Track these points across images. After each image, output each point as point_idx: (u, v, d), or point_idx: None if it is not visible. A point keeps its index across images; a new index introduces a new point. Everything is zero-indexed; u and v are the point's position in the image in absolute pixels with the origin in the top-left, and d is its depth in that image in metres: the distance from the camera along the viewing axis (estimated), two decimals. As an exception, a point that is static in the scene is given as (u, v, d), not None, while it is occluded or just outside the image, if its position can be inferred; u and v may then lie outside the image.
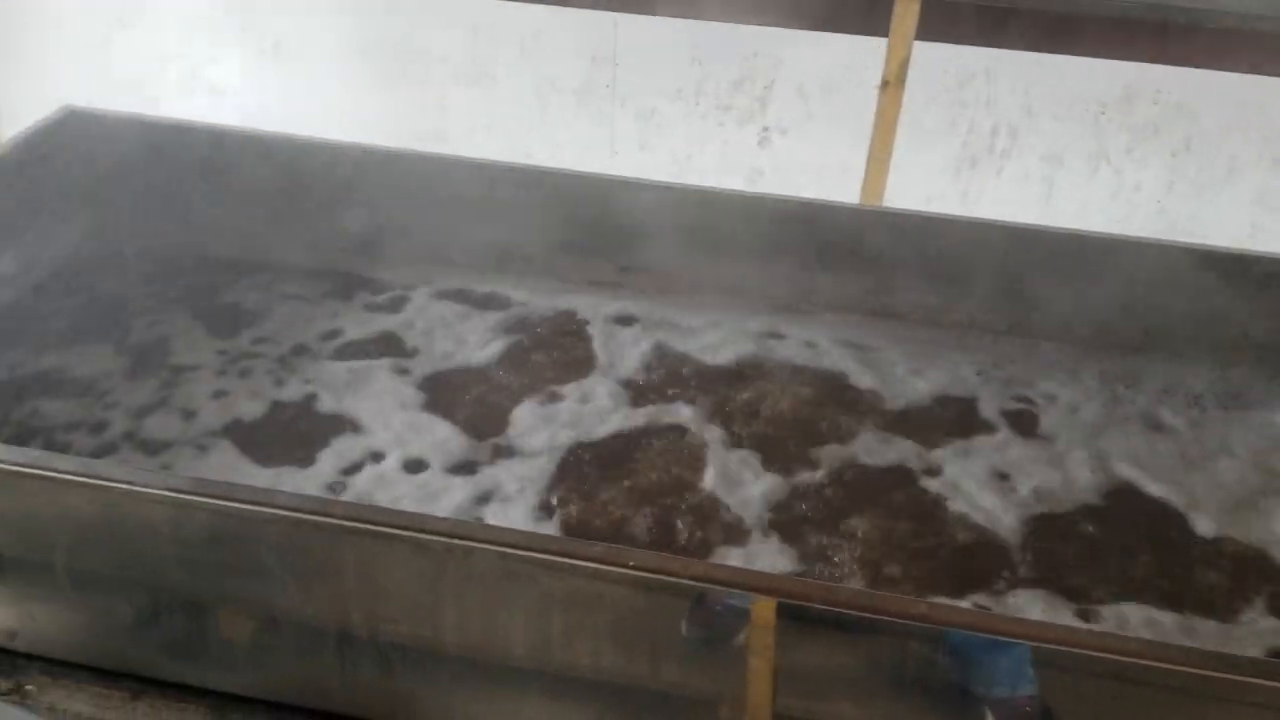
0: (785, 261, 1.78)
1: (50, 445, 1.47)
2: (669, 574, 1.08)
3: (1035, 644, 1.04)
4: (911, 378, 1.65)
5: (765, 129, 3.15)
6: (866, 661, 1.10)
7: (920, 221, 1.76)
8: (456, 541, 1.09)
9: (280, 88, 3.40)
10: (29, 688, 1.31)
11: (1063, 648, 1.03)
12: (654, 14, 2.85)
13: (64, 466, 1.15)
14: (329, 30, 3.28)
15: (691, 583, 1.08)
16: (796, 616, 1.07)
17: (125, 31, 3.44)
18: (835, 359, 1.68)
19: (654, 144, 3.26)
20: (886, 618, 1.05)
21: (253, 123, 2.02)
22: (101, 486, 1.13)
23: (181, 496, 1.13)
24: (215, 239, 1.89)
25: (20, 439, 1.47)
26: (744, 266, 1.80)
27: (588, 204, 1.82)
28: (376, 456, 1.49)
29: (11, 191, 1.73)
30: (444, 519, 1.13)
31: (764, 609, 1.08)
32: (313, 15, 3.28)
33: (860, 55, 3.01)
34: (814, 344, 1.71)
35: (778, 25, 2.63)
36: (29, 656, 1.29)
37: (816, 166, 3.18)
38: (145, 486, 1.13)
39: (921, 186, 3.03)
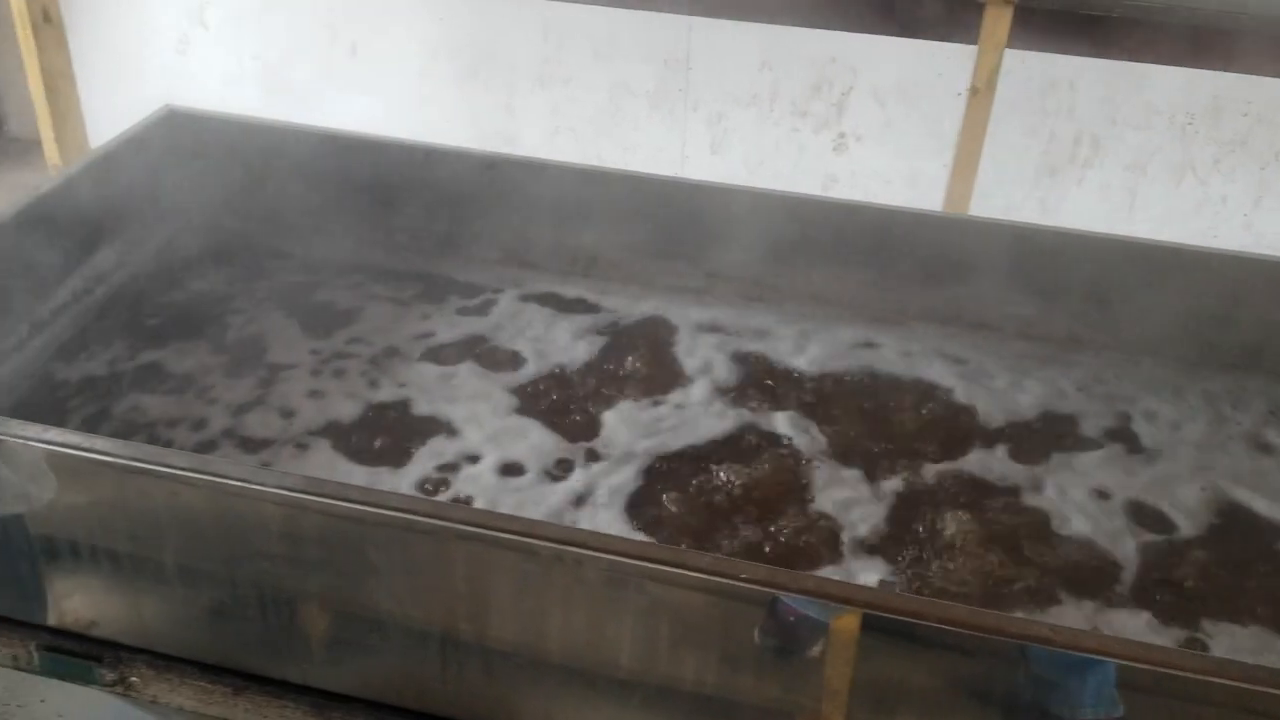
0: (876, 270, 1.76)
1: (152, 440, 1.49)
2: (779, 586, 1.07)
3: (1125, 663, 1.01)
4: (1011, 391, 1.62)
5: (841, 135, 3.13)
6: (947, 678, 1.08)
7: (1015, 231, 1.74)
8: (567, 549, 1.09)
9: (356, 89, 3.43)
10: (133, 680, 1.33)
11: (1155, 668, 1.00)
12: (734, 18, 2.85)
13: (180, 463, 1.16)
14: (405, 33, 3.32)
15: (802, 596, 1.07)
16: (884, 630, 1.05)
17: (205, 32, 3.50)
18: (932, 371, 1.66)
19: (725, 149, 3.25)
20: (969, 632, 1.03)
21: (327, 124, 2.04)
22: (216, 483, 1.14)
23: (295, 495, 1.14)
24: (306, 239, 1.91)
25: (122, 434, 1.49)
26: (833, 275, 1.78)
27: (675, 209, 1.81)
28: (472, 459, 1.49)
29: (113, 188, 1.76)
30: (556, 525, 1.13)
31: (846, 622, 1.06)
32: (390, 18, 3.31)
33: (940, 62, 2.98)
34: (909, 354, 1.69)
35: (865, 32, 2.61)
36: (134, 649, 1.31)
37: (892, 174, 3.15)
38: (259, 484, 1.14)
39: (1000, 195, 2.99)
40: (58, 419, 1.49)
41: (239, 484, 1.14)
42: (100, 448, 1.17)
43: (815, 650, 1.12)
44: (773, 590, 1.07)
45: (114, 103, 3.45)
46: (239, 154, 1.88)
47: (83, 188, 1.69)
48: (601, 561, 1.09)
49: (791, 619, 1.11)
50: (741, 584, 1.07)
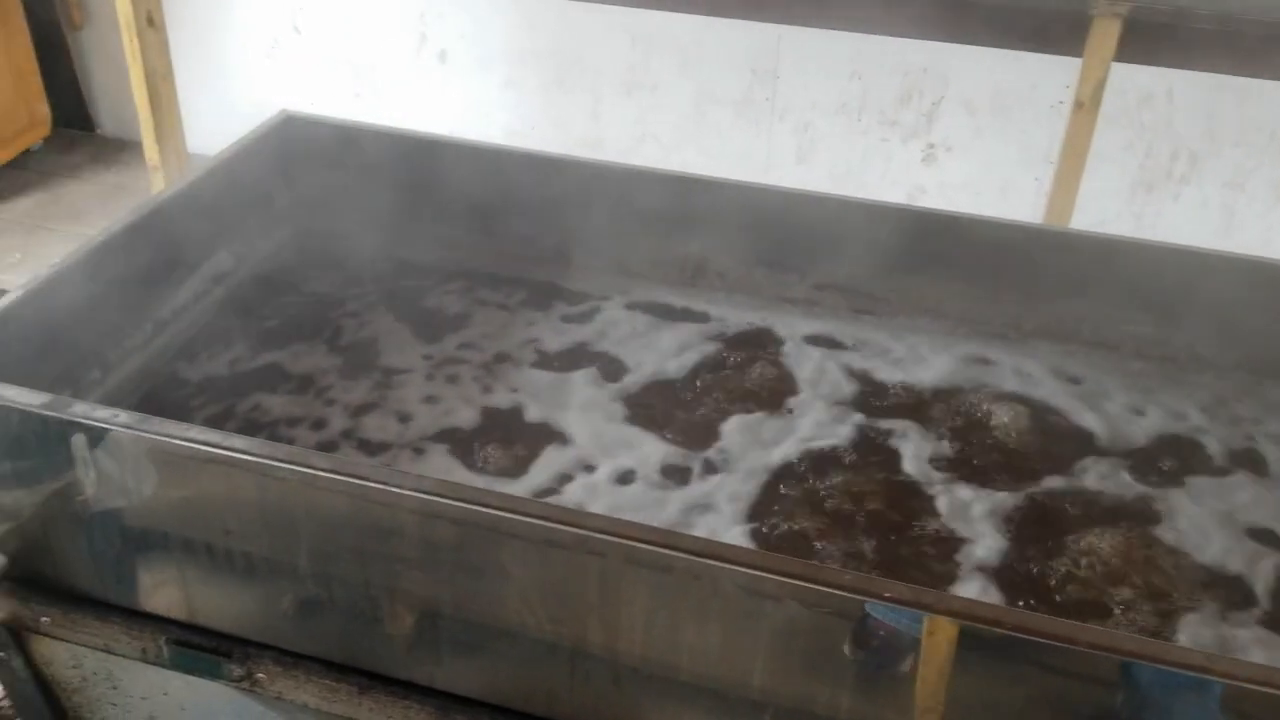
0: (989, 285, 1.74)
1: (275, 440, 1.51)
2: (923, 606, 1.06)
3: (1231, 682, 0.98)
4: (1131, 413, 1.60)
5: (930, 145, 3.10)
6: (1048, 698, 1.05)
7: (1134, 248, 1.71)
8: (704, 561, 1.09)
9: (441, 94, 3.48)
10: (260, 676, 1.35)
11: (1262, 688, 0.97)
12: (826, 28, 2.83)
13: (321, 464, 1.18)
14: (494, 39, 3.35)
15: (939, 616, 1.05)
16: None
17: (296, 36, 3.56)
18: (1049, 390, 1.64)
19: (811, 158, 3.24)
20: (1075, 648, 1.00)
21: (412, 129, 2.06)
22: (356, 485, 1.16)
23: (433, 499, 1.15)
24: (414, 244, 1.93)
25: (246, 433, 1.52)
26: (945, 289, 1.76)
27: (783, 219, 1.81)
28: (587, 467, 1.50)
29: (231, 191, 1.80)
30: (693, 537, 1.13)
31: (940, 634, 1.04)
32: (480, 25, 3.34)
33: (1035, 73, 2.95)
34: (1025, 373, 1.66)
35: (965, 42, 2.58)
36: (262, 646, 1.33)
37: (981, 185, 3.12)
38: (398, 487, 1.16)
39: (1094, 209, 2.95)
40: (182, 417, 1.52)
41: (379, 486, 1.15)
42: (242, 447, 1.20)
43: (906, 666, 1.11)
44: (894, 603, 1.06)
45: (205, 104, 3.53)
46: (351, 159, 1.91)
47: (204, 192, 1.73)
48: (739, 575, 1.08)
49: (881, 633, 1.10)
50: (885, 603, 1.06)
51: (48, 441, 1.25)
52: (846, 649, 1.09)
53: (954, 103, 3.05)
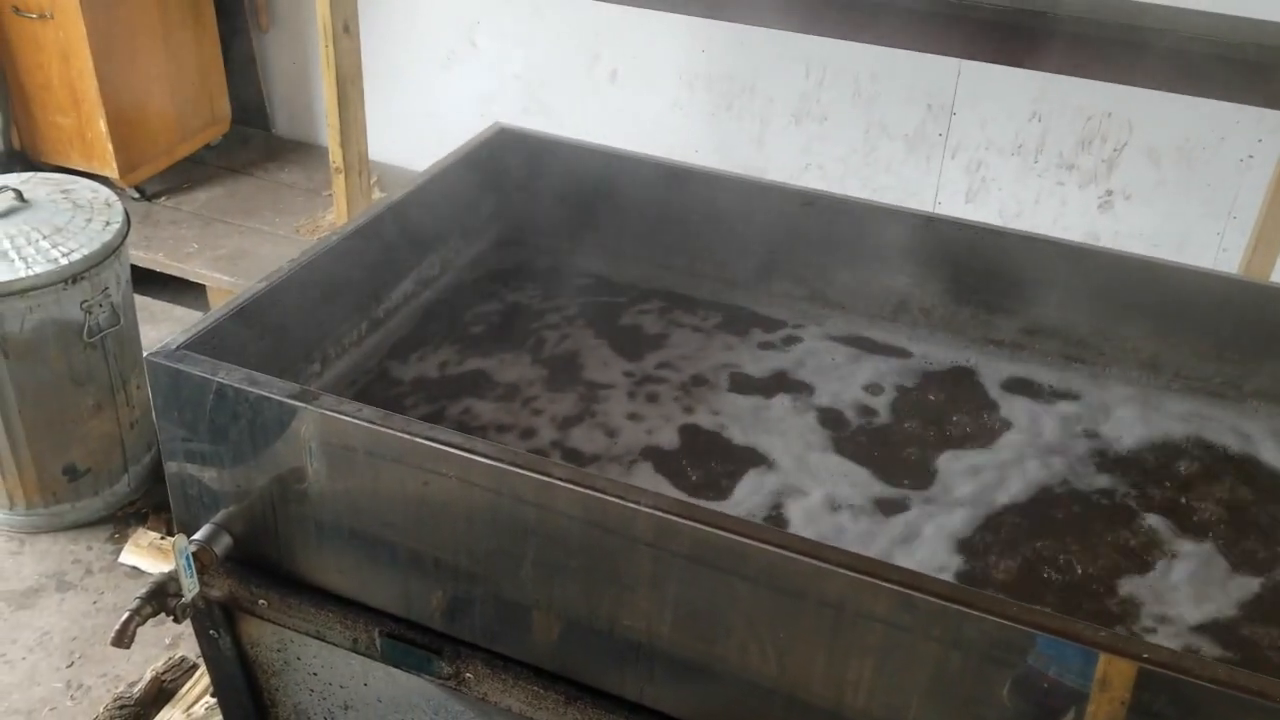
0: (1206, 340, 1.69)
1: (485, 446, 1.54)
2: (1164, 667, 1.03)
3: None
4: (1366, 484, 1.53)
5: (1109, 192, 3.03)
6: None
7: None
8: (948, 604, 1.07)
9: (609, 113, 3.52)
10: (468, 676, 1.37)
11: None
12: (1009, 65, 2.78)
13: (558, 473, 1.20)
14: (666, 61, 3.38)
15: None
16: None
17: (472, 49, 3.65)
18: (1271, 453, 1.57)
19: (982, 198, 3.19)
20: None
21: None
22: (594, 497, 1.17)
23: (666, 516, 1.16)
24: (612, 261, 1.96)
25: (457, 437, 1.55)
26: (1159, 341, 1.71)
27: (989, 258, 1.78)
28: (795, 495, 1.49)
29: (444, 200, 1.84)
30: (939, 580, 1.11)
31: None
32: (652, 46, 3.38)
33: (1225, 125, 2.86)
34: (1246, 435, 1.60)
35: (1159, 89, 2.51)
36: (473, 646, 1.35)
37: (1159, 236, 3.03)
38: (633, 502, 1.17)
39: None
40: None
41: (616, 500, 1.17)
42: (479, 449, 1.22)
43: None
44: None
45: (380, 111, 3.64)
46: (558, 174, 1.95)
47: (423, 199, 1.78)
48: (987, 623, 1.06)
49: (1045, 685, 1.06)
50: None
51: (290, 431, 1.30)
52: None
53: (1137, 150, 2.97)
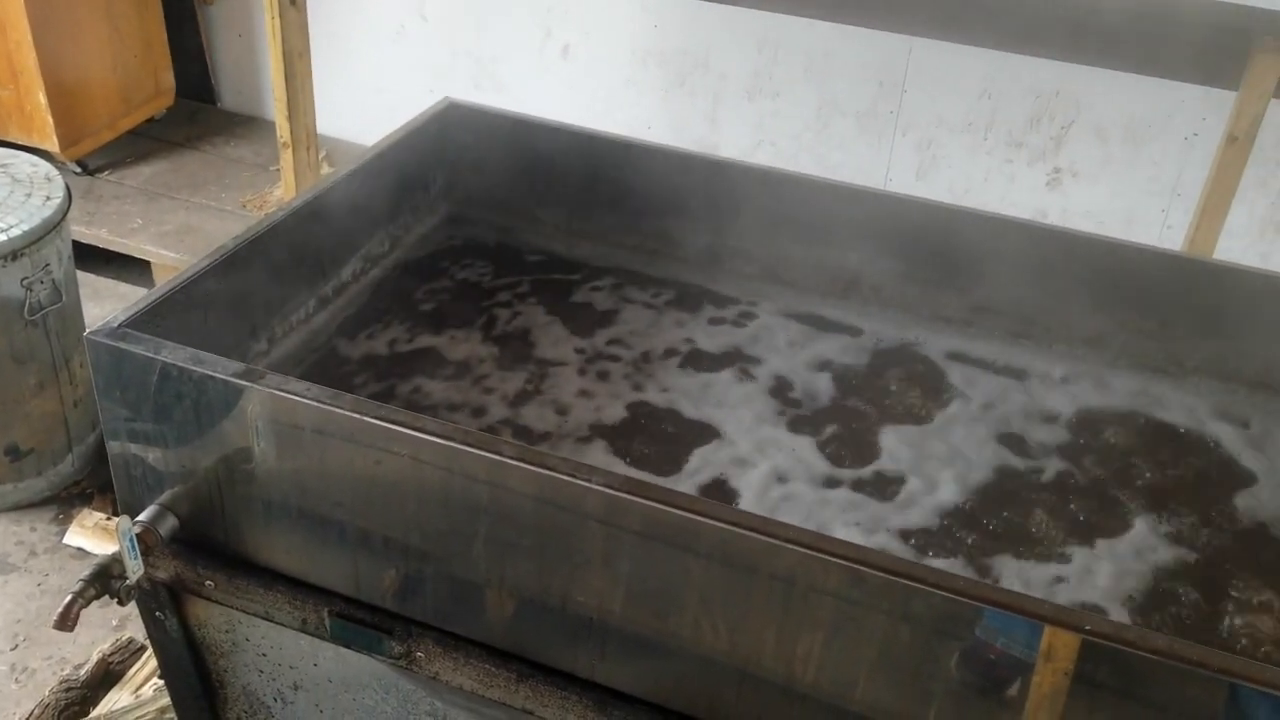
0: (1150, 317, 1.71)
1: (436, 424, 1.53)
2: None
3: None
4: (1302, 457, 1.56)
5: (1056, 170, 3.06)
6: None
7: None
8: (895, 579, 1.08)
9: (561, 89, 3.50)
10: (419, 655, 1.37)
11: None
12: (962, 42, 2.81)
13: (509, 451, 1.19)
14: (619, 37, 3.36)
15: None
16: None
17: (423, 24, 3.60)
18: (1214, 430, 1.61)
19: (932, 175, 3.21)
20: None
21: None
22: (545, 475, 1.17)
23: (616, 494, 1.16)
24: (564, 238, 1.95)
25: (407, 415, 1.54)
26: (1104, 318, 1.73)
27: (939, 235, 1.79)
28: (745, 468, 1.50)
29: (392, 176, 1.82)
30: (884, 554, 1.12)
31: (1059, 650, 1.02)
32: (606, 22, 3.36)
33: (1171, 104, 2.90)
34: (1190, 409, 1.64)
35: (1112, 68, 2.54)
36: (424, 625, 1.35)
37: (1105, 214, 3.07)
38: (584, 479, 1.16)
39: (1218, 245, 2.89)
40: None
41: (568, 479, 1.16)
42: (430, 428, 1.21)
43: (1015, 689, 1.10)
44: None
45: (329, 85, 3.58)
46: (509, 149, 1.93)
47: (371, 175, 1.76)
48: (935, 598, 1.08)
49: (992, 656, 1.08)
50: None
51: (236, 410, 1.28)
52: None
53: (1084, 128, 3.00)
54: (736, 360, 1.72)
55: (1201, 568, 1.41)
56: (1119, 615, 1.34)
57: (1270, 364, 1.66)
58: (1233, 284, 1.65)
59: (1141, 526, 1.46)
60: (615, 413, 1.60)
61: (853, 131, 3.23)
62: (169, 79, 3.88)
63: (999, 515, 1.46)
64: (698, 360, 1.72)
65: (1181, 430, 1.62)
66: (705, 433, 1.57)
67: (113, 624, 2.19)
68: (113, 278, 3.37)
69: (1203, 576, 1.39)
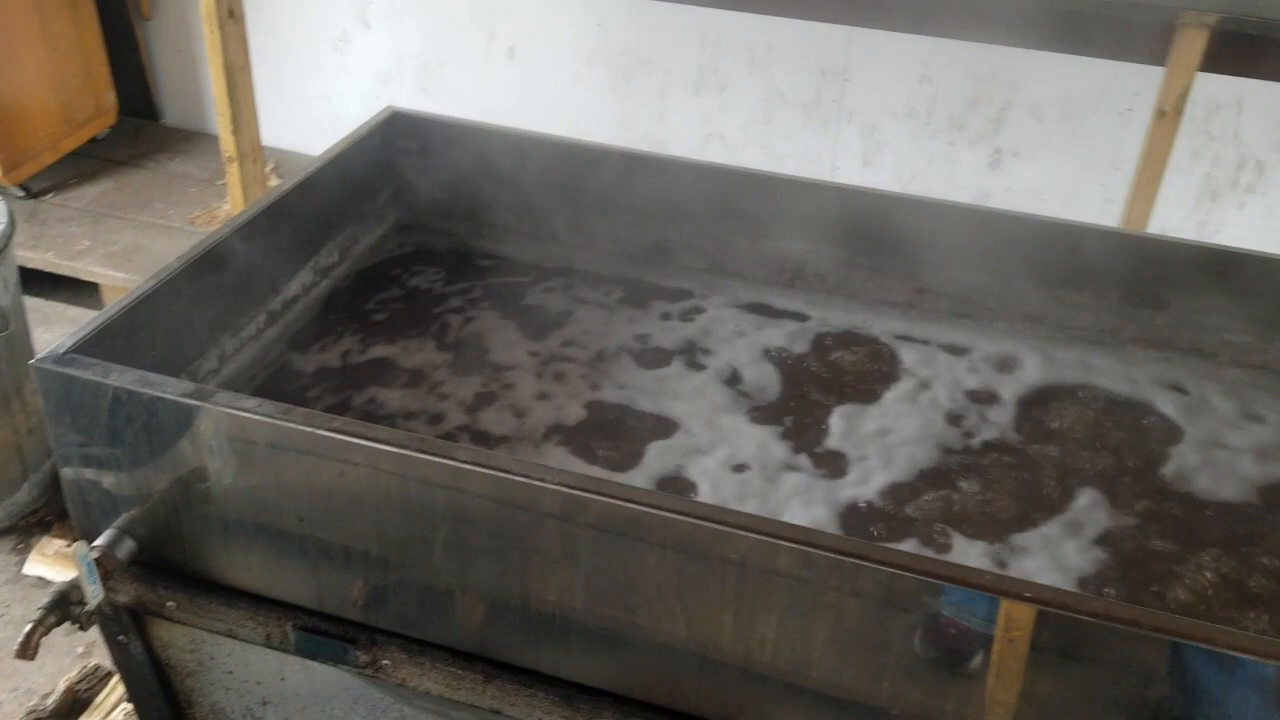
0: (1087, 291, 1.76)
1: (392, 433, 1.54)
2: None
3: None
4: (1248, 422, 1.61)
5: (997, 151, 3.11)
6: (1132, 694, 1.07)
7: (1236, 257, 1.72)
8: (843, 558, 1.11)
9: (509, 91, 3.50)
10: (385, 663, 1.38)
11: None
12: (902, 31, 2.84)
13: (464, 456, 1.20)
14: (563, 37, 3.37)
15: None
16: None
17: (365, 30, 3.59)
18: (1151, 396, 1.65)
19: (877, 161, 3.25)
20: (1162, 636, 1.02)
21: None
22: (499, 477, 1.18)
23: (572, 492, 1.18)
24: (513, 241, 1.96)
25: (363, 425, 1.55)
26: (1043, 294, 1.77)
27: (879, 222, 1.82)
28: (701, 458, 1.52)
29: (338, 187, 1.83)
30: (832, 534, 1.15)
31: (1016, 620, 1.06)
32: (549, 23, 3.37)
33: (1104, 80, 2.96)
34: (1133, 380, 1.68)
35: (1045, 49, 2.59)
36: (388, 633, 1.36)
37: (1046, 191, 3.13)
38: (539, 479, 1.18)
39: (1158, 217, 2.95)
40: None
41: (523, 480, 1.18)
42: (384, 438, 1.22)
43: (977, 662, 1.13)
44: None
45: (272, 97, 3.57)
46: (454, 155, 1.94)
47: (317, 187, 1.76)
48: (883, 574, 1.10)
49: (953, 631, 1.11)
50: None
51: (189, 431, 1.28)
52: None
53: (1022, 108, 3.06)
54: (689, 352, 1.75)
55: (1147, 535, 1.45)
56: (1071, 586, 1.38)
57: (1200, 330, 1.70)
58: (1160, 254, 1.70)
59: (1087, 497, 1.50)
60: (574, 412, 1.61)
61: (798, 122, 3.27)
62: (110, 97, 3.84)
63: (948, 491, 1.50)
64: (652, 356, 1.74)
65: (1121, 399, 1.66)
66: (662, 426, 1.59)
67: (79, 651, 2.17)
68: (62, 301, 3.33)
69: (1146, 544, 1.44)
